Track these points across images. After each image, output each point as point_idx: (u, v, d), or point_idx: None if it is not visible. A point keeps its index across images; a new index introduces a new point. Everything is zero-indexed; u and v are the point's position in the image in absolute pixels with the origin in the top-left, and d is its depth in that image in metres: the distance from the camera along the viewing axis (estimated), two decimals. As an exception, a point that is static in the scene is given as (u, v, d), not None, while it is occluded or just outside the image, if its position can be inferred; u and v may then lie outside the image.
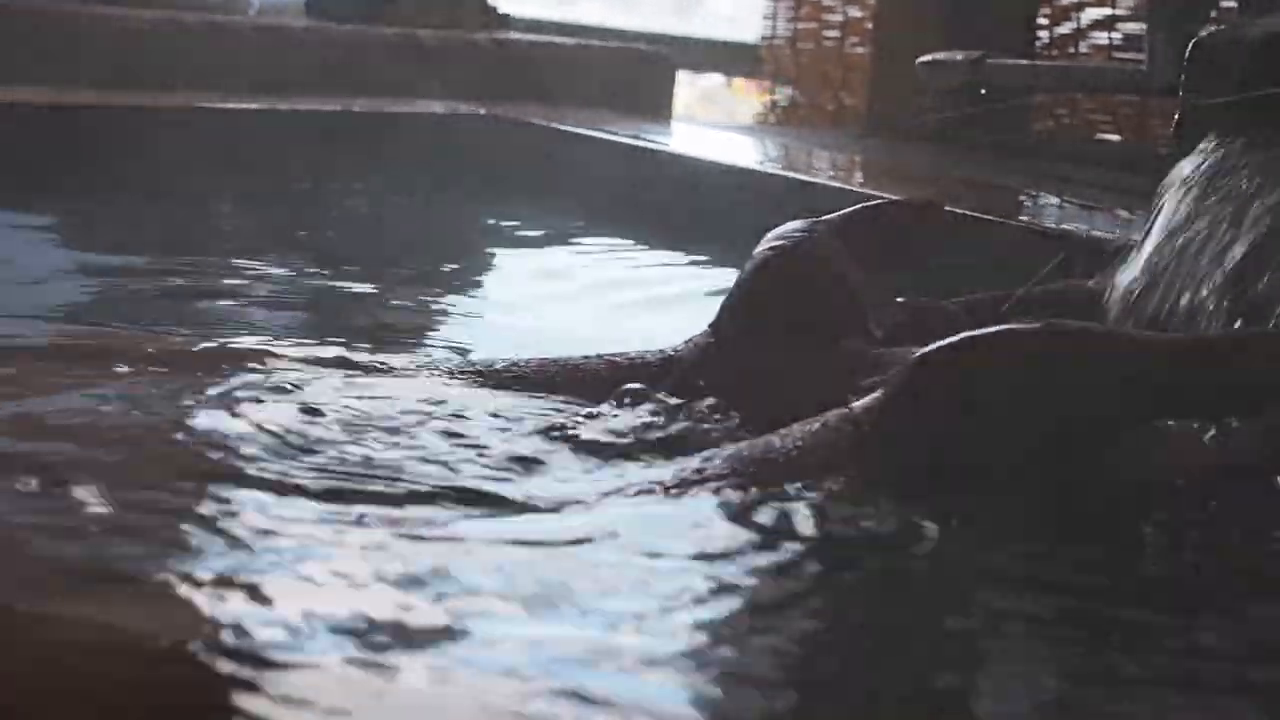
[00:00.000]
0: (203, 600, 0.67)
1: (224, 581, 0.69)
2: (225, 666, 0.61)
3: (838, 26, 2.83)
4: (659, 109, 2.54)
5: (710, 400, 0.92)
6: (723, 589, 0.74)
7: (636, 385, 0.93)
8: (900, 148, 2.29)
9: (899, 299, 1.01)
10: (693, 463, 0.82)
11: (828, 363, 0.93)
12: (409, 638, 0.65)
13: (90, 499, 0.75)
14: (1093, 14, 2.39)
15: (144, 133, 1.85)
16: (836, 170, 1.99)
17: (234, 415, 0.89)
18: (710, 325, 0.99)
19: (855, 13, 2.78)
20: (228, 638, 0.63)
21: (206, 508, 0.77)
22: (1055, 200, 1.84)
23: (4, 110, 1.85)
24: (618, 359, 0.98)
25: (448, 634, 0.66)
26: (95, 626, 0.63)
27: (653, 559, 0.75)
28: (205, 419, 0.88)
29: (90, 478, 0.78)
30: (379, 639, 0.65)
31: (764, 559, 0.76)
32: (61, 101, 1.95)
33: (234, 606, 0.66)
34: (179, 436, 0.85)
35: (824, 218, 1.02)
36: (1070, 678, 0.70)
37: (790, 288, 0.98)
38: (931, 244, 1.06)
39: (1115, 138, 2.32)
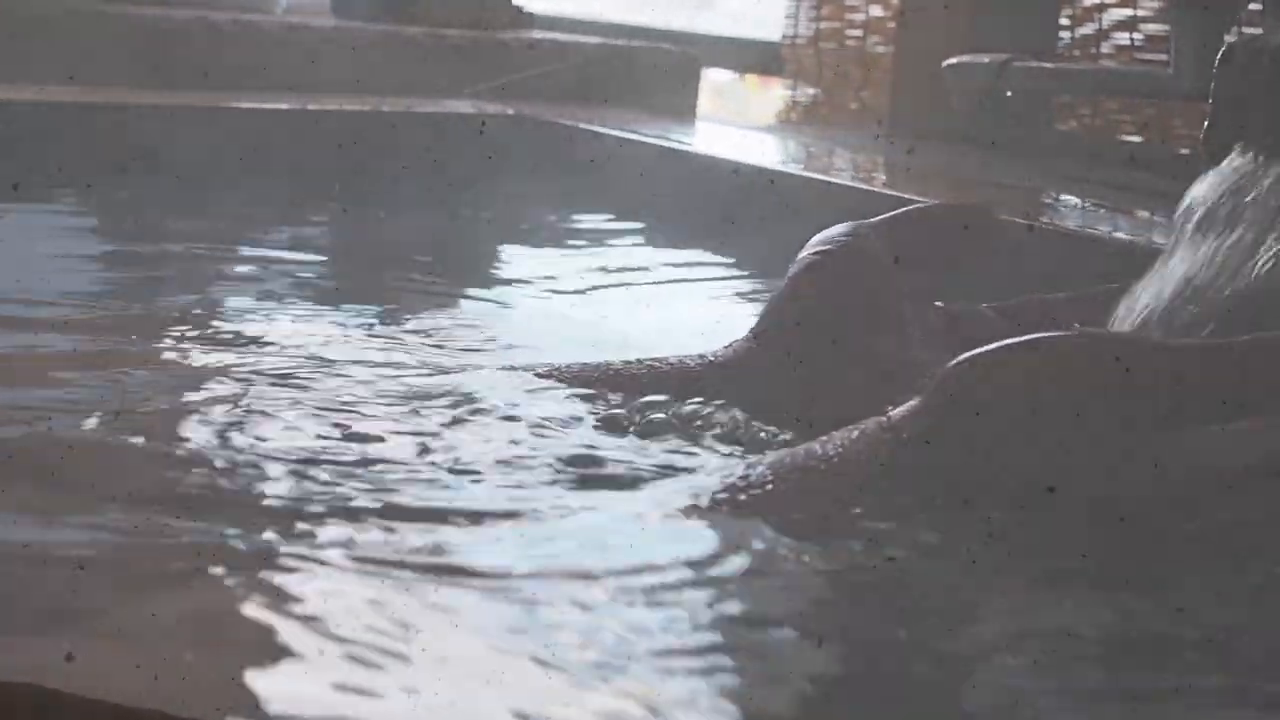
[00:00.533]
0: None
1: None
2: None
3: (860, 26, 2.84)
4: (684, 108, 2.55)
5: (751, 405, 0.93)
6: (764, 594, 0.76)
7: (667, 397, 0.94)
8: (924, 148, 2.29)
9: (937, 303, 1.01)
10: (736, 470, 0.83)
11: (869, 367, 0.94)
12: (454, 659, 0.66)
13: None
14: (1115, 15, 2.40)
15: (179, 131, 1.87)
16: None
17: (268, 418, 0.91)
18: (753, 330, 1.00)
19: (878, 12, 2.79)
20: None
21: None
22: (1076, 201, 1.85)
23: (41, 108, 1.87)
24: (658, 363, 0.99)
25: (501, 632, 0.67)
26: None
27: (697, 567, 0.76)
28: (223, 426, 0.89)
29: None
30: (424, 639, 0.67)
31: (806, 567, 0.78)
32: (93, 100, 1.96)
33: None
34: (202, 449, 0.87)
35: (869, 221, 1.03)
36: (1110, 691, 0.71)
37: (835, 291, 0.98)
38: (981, 248, 1.07)
39: (1137, 138, 2.33)
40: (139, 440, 0.88)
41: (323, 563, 0.73)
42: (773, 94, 3.11)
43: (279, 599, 0.69)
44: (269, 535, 0.76)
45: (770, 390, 0.95)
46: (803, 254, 1.00)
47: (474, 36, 2.44)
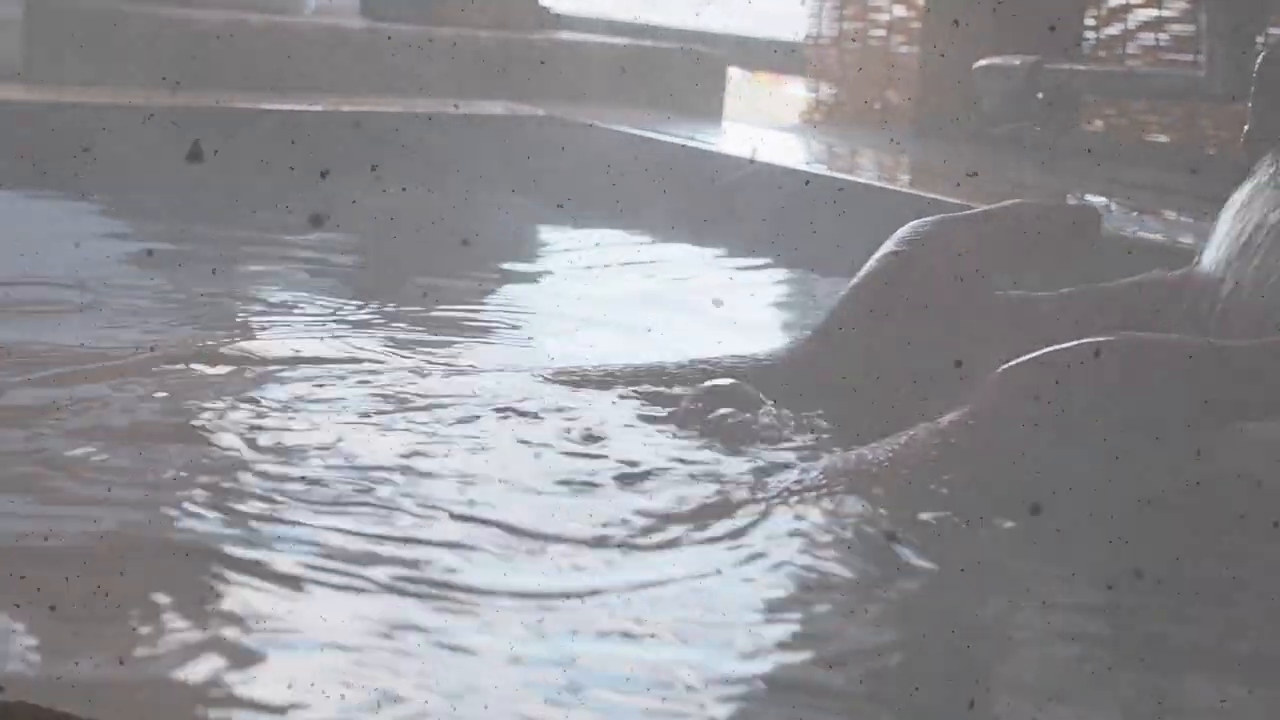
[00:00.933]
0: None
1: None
2: None
3: (884, 26, 2.84)
4: (709, 108, 2.55)
5: (809, 405, 0.93)
6: (819, 595, 0.77)
7: (727, 382, 0.94)
8: (952, 148, 2.30)
9: (997, 293, 1.00)
10: (791, 474, 0.84)
11: (932, 367, 0.94)
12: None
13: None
14: (1140, 16, 2.40)
15: (221, 132, 1.88)
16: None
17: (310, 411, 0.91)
18: (818, 328, 0.99)
19: (901, 12, 2.80)
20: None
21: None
22: (1103, 201, 1.85)
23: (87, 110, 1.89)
24: (708, 364, 0.99)
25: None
26: None
27: (751, 567, 0.77)
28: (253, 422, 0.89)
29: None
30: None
31: (859, 568, 0.78)
32: (129, 103, 1.98)
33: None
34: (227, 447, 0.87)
35: (958, 215, 1.03)
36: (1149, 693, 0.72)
37: (907, 289, 0.98)
38: (1083, 249, 1.05)
39: (1164, 139, 2.33)
40: (160, 441, 0.88)
41: (362, 585, 0.72)
42: (784, 92, 3.11)
43: (299, 612, 0.69)
44: (294, 545, 0.75)
45: (831, 390, 0.95)
46: (884, 245, 0.99)
47: (503, 37, 2.45)
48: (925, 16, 2.65)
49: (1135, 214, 1.73)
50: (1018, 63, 1.79)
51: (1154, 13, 2.35)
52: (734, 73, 3.30)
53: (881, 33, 2.84)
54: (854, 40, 2.87)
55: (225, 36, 2.20)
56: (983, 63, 1.85)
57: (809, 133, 2.62)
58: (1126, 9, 2.41)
